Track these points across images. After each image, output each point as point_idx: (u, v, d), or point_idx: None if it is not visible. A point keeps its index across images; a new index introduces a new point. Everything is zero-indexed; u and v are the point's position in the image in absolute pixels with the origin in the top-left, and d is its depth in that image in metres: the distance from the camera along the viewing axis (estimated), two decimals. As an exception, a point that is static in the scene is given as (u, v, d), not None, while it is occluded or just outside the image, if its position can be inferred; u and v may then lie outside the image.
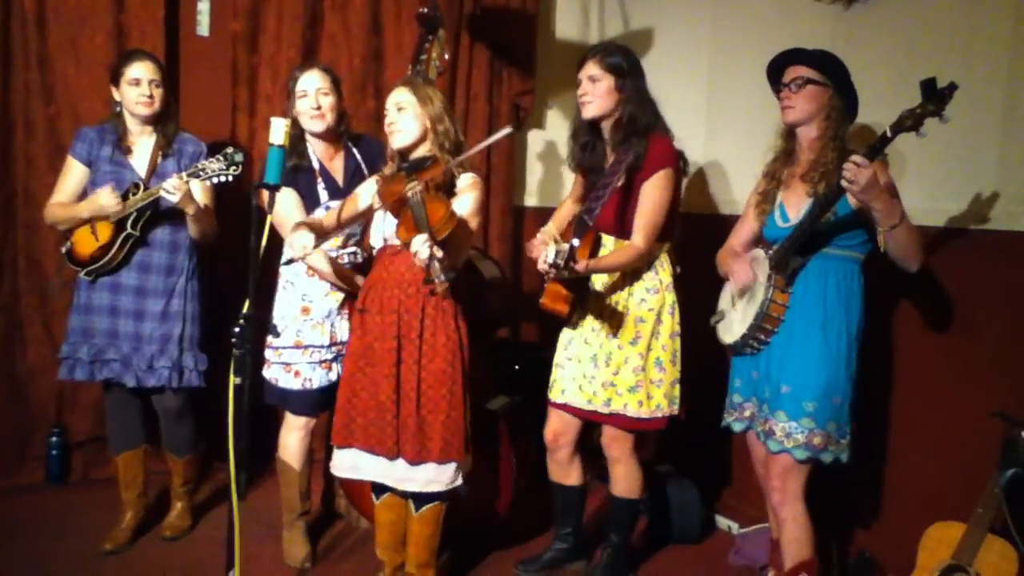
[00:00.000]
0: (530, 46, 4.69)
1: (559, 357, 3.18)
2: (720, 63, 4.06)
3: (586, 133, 3.11)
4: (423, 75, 3.36)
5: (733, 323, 2.87)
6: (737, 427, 2.93)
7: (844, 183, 2.39)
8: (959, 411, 2.98)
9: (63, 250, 3.26)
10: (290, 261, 3.03)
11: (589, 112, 3.01)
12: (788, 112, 2.75)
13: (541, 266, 2.68)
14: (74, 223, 3.21)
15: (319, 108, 3.17)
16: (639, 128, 2.95)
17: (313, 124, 3.19)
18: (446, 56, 3.50)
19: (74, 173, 3.28)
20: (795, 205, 2.73)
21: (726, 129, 4.02)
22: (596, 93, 2.97)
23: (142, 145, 3.30)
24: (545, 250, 2.63)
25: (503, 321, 4.27)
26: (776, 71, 2.83)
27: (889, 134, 2.35)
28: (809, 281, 2.68)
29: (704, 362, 3.14)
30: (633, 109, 2.96)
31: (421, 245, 2.46)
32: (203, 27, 4.07)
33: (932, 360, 3.08)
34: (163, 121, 3.30)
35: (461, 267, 2.82)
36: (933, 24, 3.08)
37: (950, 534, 2.58)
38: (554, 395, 3.18)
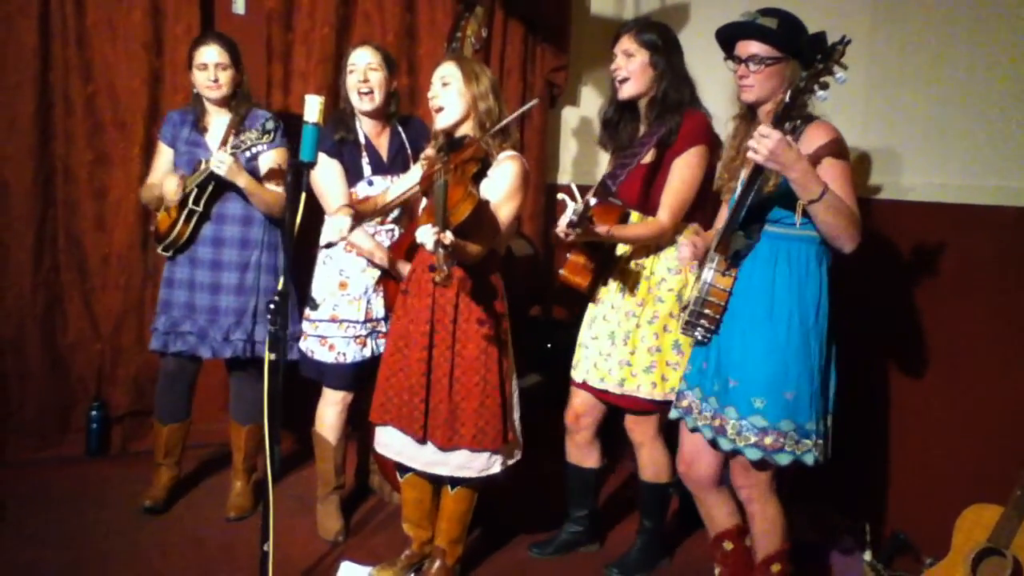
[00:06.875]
0: (564, 22, 4.66)
1: (583, 336, 3.16)
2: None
3: (614, 111, 3.08)
4: (457, 53, 3.35)
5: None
6: (673, 414, 2.72)
7: (749, 154, 2.22)
8: (997, 390, 2.94)
9: (151, 228, 3.45)
10: (328, 244, 3.07)
11: (625, 92, 2.97)
12: (746, 91, 2.48)
13: (559, 229, 2.61)
14: (154, 202, 3.35)
15: (367, 82, 3.18)
16: (672, 105, 2.91)
17: (361, 102, 3.20)
18: (483, 33, 3.48)
19: (162, 155, 3.44)
20: None
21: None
22: (630, 69, 2.94)
23: (217, 124, 3.39)
24: (565, 213, 2.56)
25: (535, 299, 4.26)
26: (726, 40, 2.54)
27: (787, 99, 2.19)
28: (756, 264, 2.45)
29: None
30: (667, 86, 2.92)
31: (425, 234, 2.36)
32: (238, 5, 4.08)
33: (969, 338, 3.03)
34: (237, 99, 3.37)
35: (485, 251, 2.69)
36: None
37: (986, 516, 2.54)
38: (576, 374, 3.16)
